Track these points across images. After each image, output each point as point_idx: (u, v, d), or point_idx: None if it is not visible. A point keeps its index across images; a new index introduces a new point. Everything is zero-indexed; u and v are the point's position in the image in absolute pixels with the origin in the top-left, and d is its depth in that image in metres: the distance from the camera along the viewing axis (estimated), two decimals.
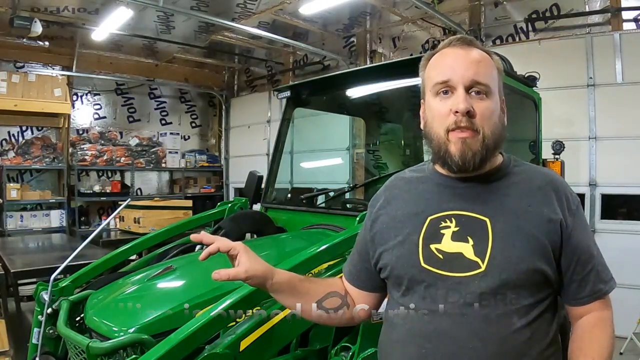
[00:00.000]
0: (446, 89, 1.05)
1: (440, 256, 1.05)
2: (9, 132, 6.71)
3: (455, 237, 1.05)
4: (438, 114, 1.06)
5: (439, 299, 1.03)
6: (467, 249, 1.03)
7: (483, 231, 1.03)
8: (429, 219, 1.09)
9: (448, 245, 1.05)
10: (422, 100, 1.15)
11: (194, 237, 1.16)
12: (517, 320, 1.00)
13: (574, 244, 1.05)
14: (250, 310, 1.57)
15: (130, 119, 7.95)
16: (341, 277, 1.33)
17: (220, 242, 1.13)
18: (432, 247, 1.06)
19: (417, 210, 1.12)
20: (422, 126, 1.14)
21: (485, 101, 1.05)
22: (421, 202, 1.13)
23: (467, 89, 1.04)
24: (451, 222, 1.06)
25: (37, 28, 5.11)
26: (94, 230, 2.19)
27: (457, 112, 1.02)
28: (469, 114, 1.02)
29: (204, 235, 1.15)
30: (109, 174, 7.62)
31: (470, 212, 1.06)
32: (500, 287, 0.99)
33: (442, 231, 1.06)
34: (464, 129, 1.03)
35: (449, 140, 1.04)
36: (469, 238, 1.03)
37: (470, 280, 1.01)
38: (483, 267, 1.01)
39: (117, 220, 6.47)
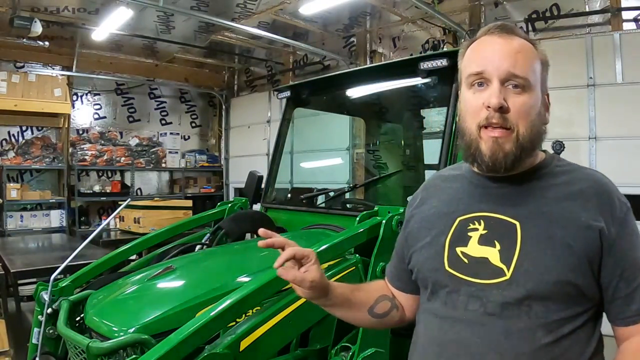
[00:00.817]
0: (480, 81, 0.98)
1: (466, 260, 0.99)
2: (9, 132, 6.71)
3: (483, 240, 0.98)
4: (471, 108, 1.00)
5: (459, 306, 0.97)
6: (493, 254, 0.96)
7: (511, 236, 0.96)
8: (459, 219, 1.04)
9: (474, 249, 0.99)
10: (459, 91, 1.09)
11: (262, 232, 1.10)
12: (543, 336, 0.90)
13: (618, 256, 0.93)
14: (250, 310, 1.57)
15: (130, 119, 7.95)
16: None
17: (295, 250, 1.06)
18: (458, 250, 1.00)
19: (448, 210, 1.07)
20: (457, 119, 1.09)
21: (522, 96, 0.96)
22: (453, 202, 1.08)
23: (503, 82, 0.96)
24: (480, 224, 1.00)
25: (37, 28, 5.11)
26: (94, 230, 2.19)
27: (489, 107, 0.95)
28: (502, 110, 0.95)
29: (275, 237, 1.08)
30: (109, 174, 7.62)
31: (500, 214, 0.99)
32: (525, 298, 0.91)
33: (469, 233, 1.01)
34: (496, 127, 0.96)
35: (480, 138, 0.98)
36: (496, 242, 0.97)
37: (493, 288, 0.94)
38: (508, 275, 0.93)
39: (117, 220, 6.47)
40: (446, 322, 0.99)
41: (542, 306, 0.91)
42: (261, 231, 1.08)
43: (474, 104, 0.99)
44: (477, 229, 1.00)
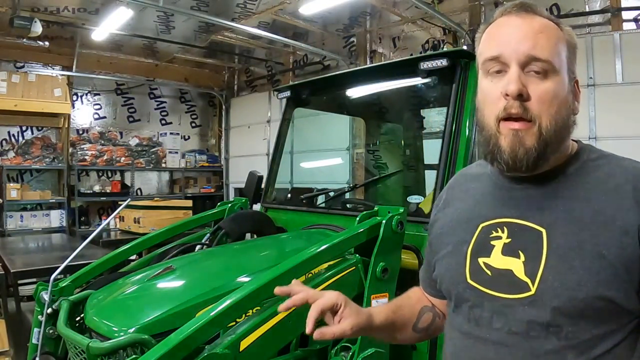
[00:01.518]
0: (498, 67, 0.87)
1: (489, 272, 0.89)
2: (9, 132, 6.71)
3: (506, 250, 0.88)
4: (488, 98, 0.88)
5: (483, 323, 0.88)
6: (517, 265, 0.85)
7: (537, 245, 0.84)
8: (482, 226, 0.93)
9: (498, 259, 0.88)
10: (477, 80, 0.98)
11: (278, 290, 1.00)
12: (574, 358, 0.80)
13: None
14: (250, 310, 1.57)
15: (130, 119, 7.95)
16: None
17: (322, 305, 0.93)
18: (481, 260, 0.90)
19: (471, 216, 0.97)
20: (475, 111, 0.97)
21: (545, 82, 0.84)
22: (476, 206, 0.97)
23: (523, 67, 0.84)
24: (503, 231, 0.89)
25: (37, 28, 5.11)
26: (94, 230, 2.19)
27: (507, 95, 0.83)
28: (522, 98, 0.83)
29: (295, 285, 0.98)
30: (109, 174, 7.62)
31: (525, 220, 0.87)
32: (553, 317, 0.81)
33: (492, 242, 0.90)
34: (516, 119, 0.84)
35: (499, 132, 0.86)
36: (520, 253, 0.86)
37: (517, 304, 0.84)
38: (532, 290, 0.82)
39: (117, 220, 6.47)
40: (469, 340, 0.91)
41: (571, 325, 0.80)
42: (277, 290, 0.98)
43: (491, 94, 0.87)
44: (500, 237, 0.89)
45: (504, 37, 0.87)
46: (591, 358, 0.80)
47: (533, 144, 0.84)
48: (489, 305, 0.88)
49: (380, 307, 1.09)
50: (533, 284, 0.83)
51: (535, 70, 0.84)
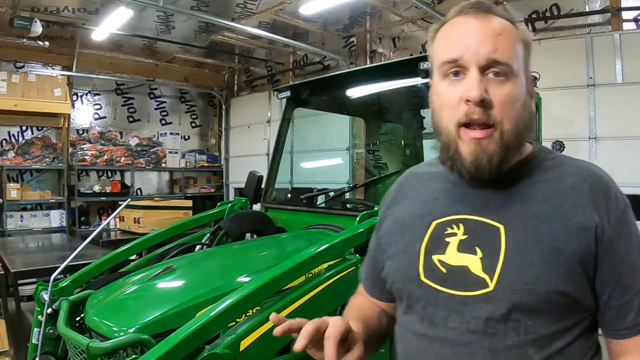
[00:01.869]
0: (456, 69, 0.85)
1: (443, 269, 0.86)
2: (9, 132, 6.71)
3: (462, 247, 0.86)
4: (447, 102, 0.86)
5: (438, 323, 0.85)
6: (474, 262, 0.84)
7: (494, 241, 0.84)
8: (435, 223, 0.91)
9: (453, 256, 0.86)
10: (429, 80, 0.95)
11: (274, 317, 0.86)
12: (534, 353, 0.80)
13: (614, 259, 0.81)
14: (250, 310, 1.57)
15: (130, 119, 7.95)
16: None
17: (334, 330, 0.82)
18: (435, 258, 0.88)
19: (423, 212, 0.94)
20: (430, 113, 0.94)
21: (506, 85, 0.83)
22: (429, 203, 0.95)
23: (483, 70, 0.83)
24: (458, 228, 0.88)
25: (37, 28, 5.11)
26: (94, 230, 2.19)
27: (469, 100, 0.82)
28: (484, 104, 0.81)
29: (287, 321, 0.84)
30: (109, 174, 7.62)
31: (481, 216, 0.87)
32: (511, 312, 0.80)
33: (447, 239, 0.88)
34: (478, 126, 0.83)
35: (460, 138, 0.84)
36: (477, 249, 0.84)
37: (475, 301, 0.82)
38: (491, 286, 0.81)
39: (117, 220, 6.47)
40: (424, 341, 0.87)
41: (531, 320, 0.80)
42: (272, 317, 0.85)
43: (450, 98, 0.85)
44: (455, 234, 0.87)
45: (463, 40, 0.85)
46: (550, 353, 0.80)
47: (495, 149, 0.83)
48: (444, 304, 0.85)
49: (359, 326, 0.95)
50: (491, 280, 0.82)
51: (495, 72, 0.83)
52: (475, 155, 0.83)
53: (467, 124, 0.83)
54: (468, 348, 0.82)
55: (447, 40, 0.88)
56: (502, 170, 0.87)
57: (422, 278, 0.88)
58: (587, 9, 4.87)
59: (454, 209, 0.90)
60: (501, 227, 0.84)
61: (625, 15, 4.62)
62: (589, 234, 0.81)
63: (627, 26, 4.62)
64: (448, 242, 0.88)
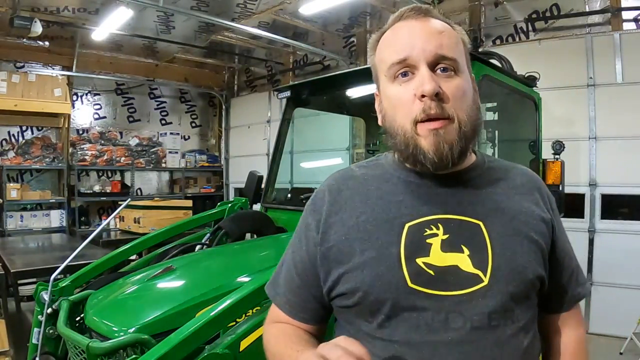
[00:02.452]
0: (405, 70, 0.85)
1: (431, 272, 0.83)
2: (9, 132, 6.71)
3: (446, 246, 0.84)
4: (399, 103, 0.86)
5: (437, 327, 0.82)
6: (463, 260, 0.84)
7: (479, 237, 0.85)
8: (408, 225, 0.86)
9: (438, 257, 0.84)
10: (375, 92, 0.97)
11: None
12: (524, 338, 0.85)
13: (560, 245, 0.95)
14: (250, 310, 1.57)
15: (130, 119, 7.95)
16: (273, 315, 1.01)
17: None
18: (419, 261, 0.84)
19: (387, 217, 0.88)
20: (380, 122, 0.93)
21: (455, 79, 0.85)
22: (390, 206, 0.89)
23: (432, 67, 0.84)
24: (437, 228, 0.86)
25: (37, 28, 5.11)
26: (94, 230, 2.19)
27: (423, 96, 0.82)
28: (439, 97, 0.82)
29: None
30: (109, 174, 7.62)
31: (458, 215, 0.87)
32: (507, 302, 0.83)
33: (428, 241, 0.85)
34: (434, 119, 0.83)
35: (418, 134, 0.84)
36: (463, 247, 0.84)
37: (472, 297, 0.82)
38: (486, 280, 0.83)
39: (117, 220, 6.47)
40: (424, 349, 0.81)
41: (520, 308, 0.85)
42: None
43: (402, 98, 0.85)
44: (436, 234, 0.85)
45: (408, 40, 0.86)
46: (532, 337, 0.87)
47: (454, 138, 0.84)
48: (438, 307, 0.82)
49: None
50: (485, 275, 0.83)
51: (443, 68, 0.85)
52: (436, 145, 0.83)
53: (424, 121, 0.84)
54: (475, 345, 0.81)
55: (392, 43, 0.89)
56: (459, 168, 0.91)
57: (410, 284, 0.83)
58: (587, 9, 4.86)
59: (425, 210, 0.88)
60: (480, 223, 0.87)
61: (625, 15, 4.62)
62: (548, 225, 0.92)
63: (627, 26, 4.62)
64: (430, 244, 0.85)
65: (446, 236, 0.85)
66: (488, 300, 0.82)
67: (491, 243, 0.85)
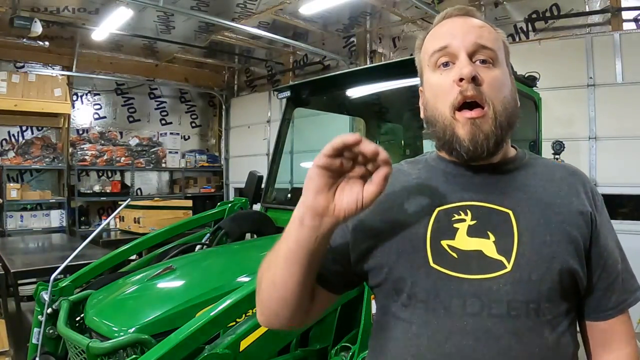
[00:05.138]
0: (446, 60, 0.88)
1: (454, 255, 0.84)
2: (9, 132, 6.70)
3: (472, 232, 0.85)
4: (440, 90, 0.88)
5: (454, 311, 0.81)
6: (487, 245, 0.84)
7: (506, 225, 0.85)
8: (438, 210, 0.88)
9: (463, 241, 0.84)
10: (420, 89, 0.98)
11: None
12: (549, 334, 0.81)
13: (602, 244, 0.88)
14: (250, 310, 1.57)
15: (130, 119, 7.95)
16: None
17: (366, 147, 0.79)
18: (444, 243, 0.85)
19: (421, 200, 0.91)
20: (421, 114, 0.96)
21: (493, 70, 0.87)
22: (426, 191, 0.92)
23: (471, 56, 0.87)
24: (466, 214, 0.87)
25: (37, 28, 5.11)
26: (94, 230, 2.19)
27: (461, 79, 0.84)
28: (476, 82, 0.84)
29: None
30: (109, 174, 7.62)
31: (488, 203, 0.87)
32: (531, 291, 0.80)
33: (455, 225, 0.86)
34: (472, 107, 0.85)
35: (456, 120, 0.86)
36: (489, 233, 0.84)
37: (493, 283, 0.81)
38: (509, 267, 0.81)
39: (117, 220, 6.47)
40: (438, 334, 0.81)
41: (547, 301, 0.81)
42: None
43: (443, 84, 0.88)
44: (464, 220, 0.86)
45: (450, 31, 0.90)
46: (559, 334, 0.83)
47: (490, 128, 0.85)
48: (458, 290, 0.82)
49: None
50: (509, 262, 0.82)
51: (482, 59, 0.88)
52: (472, 134, 0.85)
53: (461, 109, 0.86)
54: (491, 334, 0.79)
55: (434, 37, 0.94)
56: (496, 159, 0.91)
57: (432, 264, 0.84)
58: (587, 9, 4.86)
59: (457, 196, 0.89)
60: (510, 212, 0.86)
61: (625, 15, 4.62)
62: (587, 218, 0.87)
63: (627, 26, 4.62)
64: (457, 228, 0.86)
65: (474, 222, 0.86)
66: (509, 287, 0.80)
67: (519, 231, 0.84)
